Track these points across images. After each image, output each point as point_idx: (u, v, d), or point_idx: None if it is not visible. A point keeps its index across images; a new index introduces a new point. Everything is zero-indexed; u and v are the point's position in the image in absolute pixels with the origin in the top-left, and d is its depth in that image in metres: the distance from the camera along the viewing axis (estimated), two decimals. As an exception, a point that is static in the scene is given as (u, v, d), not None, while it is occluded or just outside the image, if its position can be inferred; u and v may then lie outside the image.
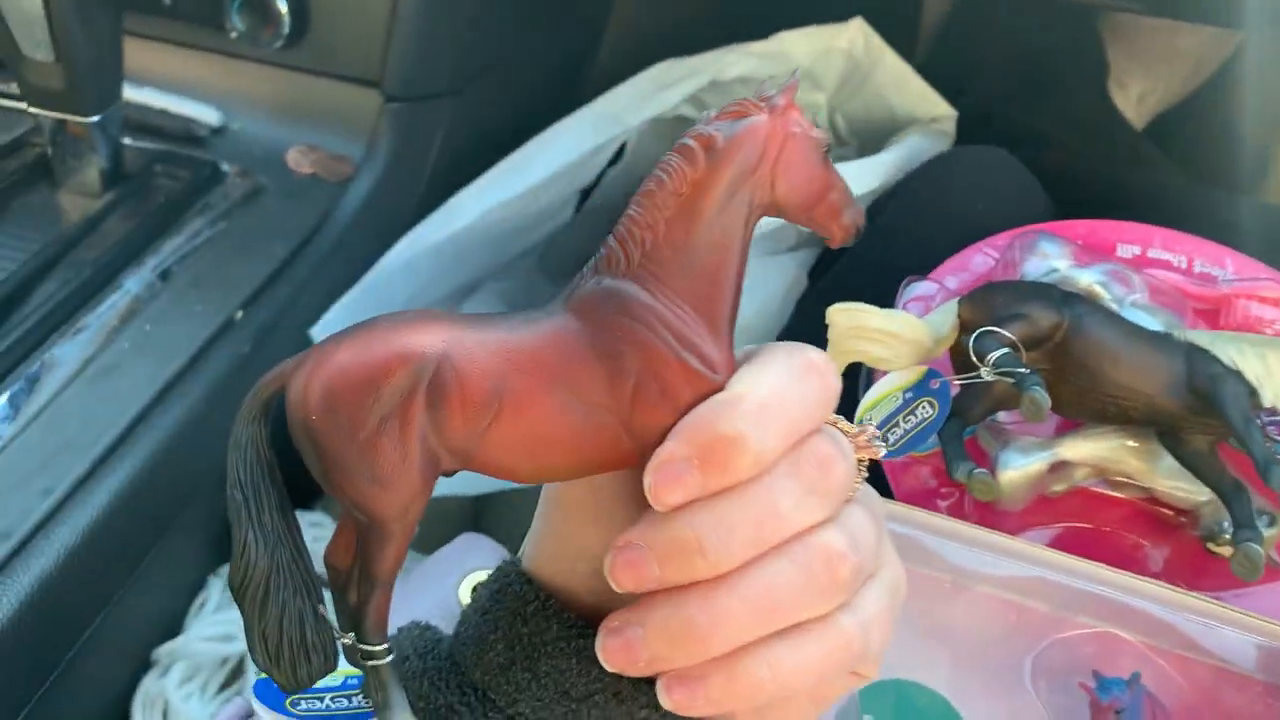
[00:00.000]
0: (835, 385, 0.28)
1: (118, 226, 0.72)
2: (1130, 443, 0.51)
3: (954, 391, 0.50)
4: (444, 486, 0.28)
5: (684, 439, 0.26)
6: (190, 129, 0.81)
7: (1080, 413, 0.51)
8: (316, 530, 0.69)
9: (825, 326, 0.50)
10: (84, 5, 0.67)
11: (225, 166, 0.79)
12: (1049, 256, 0.58)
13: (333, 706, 0.33)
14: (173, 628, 0.65)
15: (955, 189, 0.71)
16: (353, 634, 0.28)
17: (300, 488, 0.28)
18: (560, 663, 0.31)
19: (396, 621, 0.31)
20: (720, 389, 0.27)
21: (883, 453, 0.30)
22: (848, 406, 0.31)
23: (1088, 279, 0.56)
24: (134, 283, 0.69)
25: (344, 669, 0.30)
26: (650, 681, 0.28)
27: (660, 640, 0.27)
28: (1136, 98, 1.04)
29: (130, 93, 0.77)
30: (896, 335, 0.50)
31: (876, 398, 0.52)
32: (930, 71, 0.93)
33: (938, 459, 0.53)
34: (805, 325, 0.70)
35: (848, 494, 0.28)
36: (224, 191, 0.77)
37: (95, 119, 0.72)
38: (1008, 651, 0.48)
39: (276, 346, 0.70)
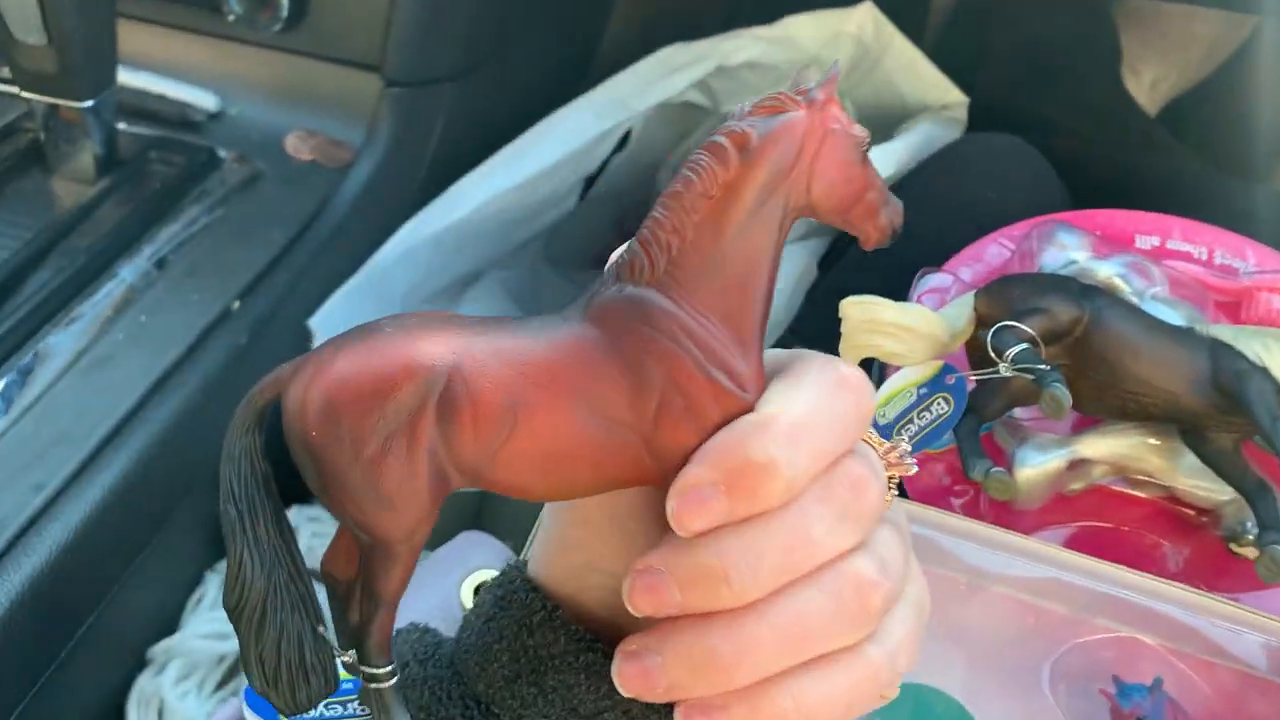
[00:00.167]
0: (870, 403, 0.27)
1: (112, 214, 0.71)
2: (1151, 440, 0.50)
3: (970, 387, 0.49)
4: None
5: (711, 463, 0.25)
6: (186, 114, 0.80)
7: (1099, 409, 0.50)
8: (316, 526, 0.68)
9: (837, 319, 0.49)
10: (77, -13, 0.66)
11: (222, 152, 0.78)
12: (1067, 248, 0.56)
13: (327, 715, 0.32)
14: (169, 625, 0.64)
15: (969, 177, 0.69)
16: (353, 652, 0.27)
17: (298, 481, 0.27)
18: (568, 678, 0.29)
19: (395, 623, 0.30)
20: (749, 408, 0.26)
21: (914, 470, 0.29)
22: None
23: (1107, 271, 0.55)
24: (129, 271, 0.68)
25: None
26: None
27: (681, 669, 0.25)
28: (1150, 84, 1.02)
29: (125, 77, 0.75)
30: (911, 329, 0.48)
31: (890, 393, 0.51)
32: (940, 57, 0.91)
33: (952, 455, 0.52)
34: (816, 316, 0.68)
35: (879, 516, 0.27)
36: (221, 178, 0.76)
37: (89, 104, 0.71)
38: (1025, 655, 0.46)
39: (274, 337, 0.69)
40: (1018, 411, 0.52)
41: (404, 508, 0.25)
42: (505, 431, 0.25)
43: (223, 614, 0.64)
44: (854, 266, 0.68)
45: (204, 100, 0.81)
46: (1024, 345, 0.46)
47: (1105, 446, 0.51)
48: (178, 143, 0.78)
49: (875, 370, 0.55)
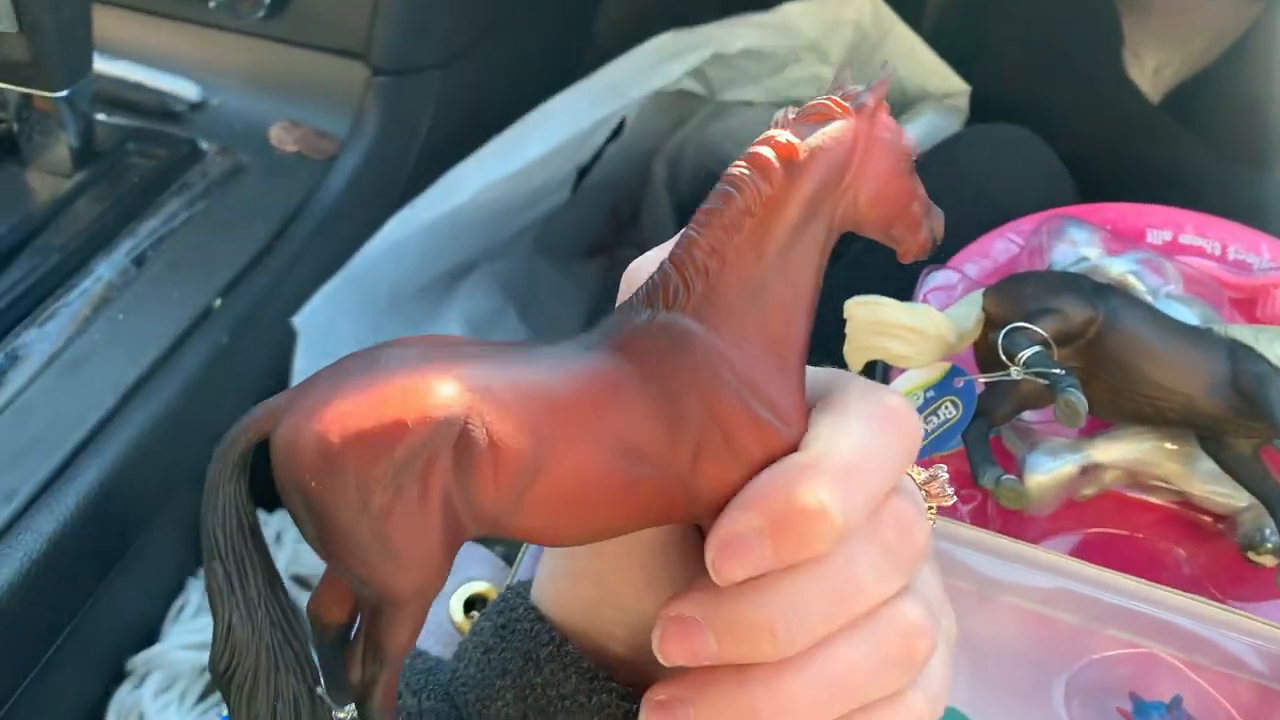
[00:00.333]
0: (917, 434, 0.25)
1: (89, 208, 0.69)
2: (1167, 445, 0.48)
3: (979, 390, 0.47)
4: None
5: (757, 509, 0.23)
6: (166, 104, 0.78)
7: (1113, 413, 0.48)
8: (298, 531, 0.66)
9: (839, 319, 0.47)
10: (49, -29, 0.64)
11: (203, 144, 0.76)
12: (1078, 244, 0.54)
13: None
14: (149, 635, 0.63)
15: (974, 169, 0.67)
16: (351, 707, 0.25)
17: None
18: None
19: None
20: (794, 445, 0.24)
21: (952, 500, 0.27)
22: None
23: (1120, 268, 0.53)
24: (106, 268, 0.66)
25: None
26: None
27: None
28: (1153, 70, 1.00)
29: (101, 65, 0.73)
30: (919, 331, 0.47)
31: (896, 396, 0.49)
32: (939, 45, 0.89)
33: (959, 459, 0.50)
34: (819, 313, 0.66)
35: (925, 556, 0.25)
36: (202, 170, 0.74)
37: (64, 94, 0.68)
38: (1036, 669, 0.45)
39: (258, 336, 0.68)
40: (1028, 415, 0.51)
41: (415, 563, 0.22)
42: (529, 477, 0.22)
43: (205, 623, 0.62)
44: (854, 264, 0.66)
45: (184, 90, 0.79)
46: (1036, 348, 0.45)
47: (1119, 451, 0.49)
48: (157, 134, 0.76)
49: (879, 372, 0.53)
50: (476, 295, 0.90)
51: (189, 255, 0.68)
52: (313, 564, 0.68)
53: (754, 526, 0.23)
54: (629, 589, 0.27)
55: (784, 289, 0.24)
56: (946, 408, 0.48)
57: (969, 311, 0.48)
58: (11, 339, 0.60)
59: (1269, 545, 0.47)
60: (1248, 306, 0.57)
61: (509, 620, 0.29)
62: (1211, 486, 0.49)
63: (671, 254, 0.24)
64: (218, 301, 0.67)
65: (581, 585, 0.28)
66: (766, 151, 0.23)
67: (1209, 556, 0.49)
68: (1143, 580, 0.43)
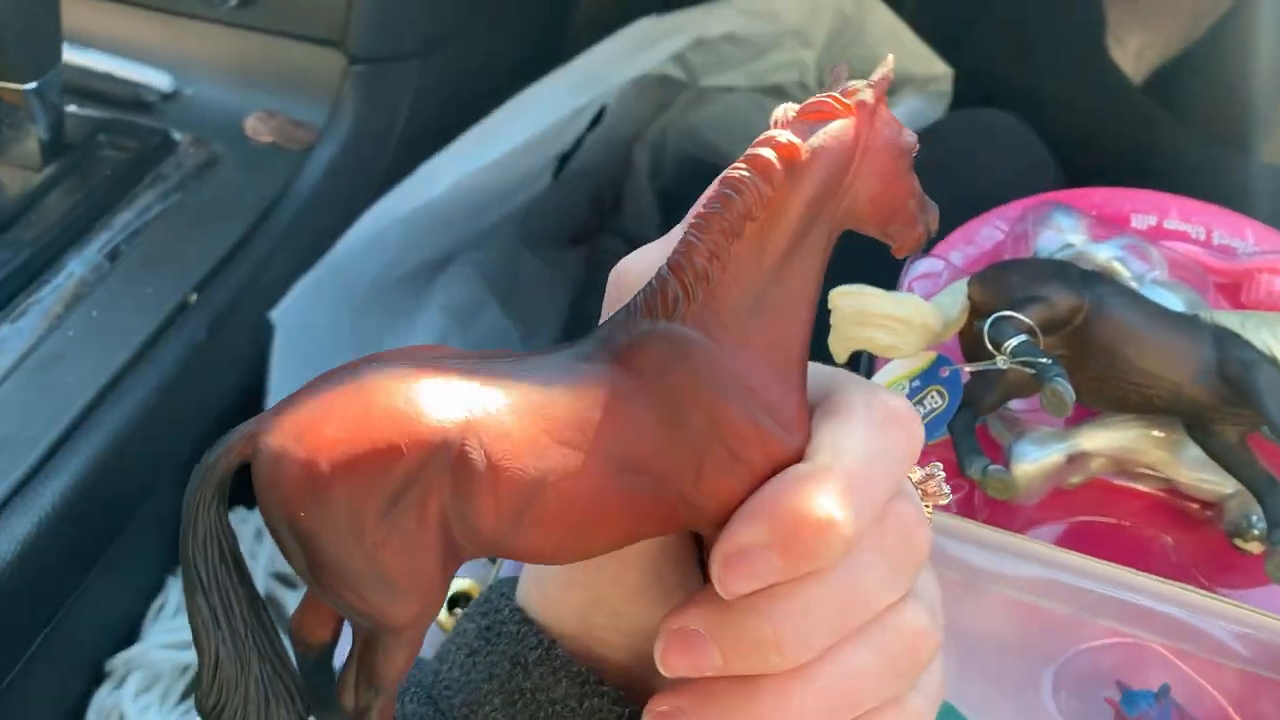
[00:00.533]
0: (919, 437, 0.24)
1: (60, 202, 0.68)
2: (1154, 432, 0.48)
3: (965, 379, 0.47)
4: None
5: (763, 523, 0.22)
6: (139, 95, 0.77)
7: (1099, 401, 0.48)
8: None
9: (825, 310, 0.46)
10: (14, -40, 0.63)
11: (177, 135, 0.75)
12: (1064, 230, 0.54)
13: None
14: (129, 635, 0.62)
15: (958, 155, 0.67)
16: None
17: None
18: None
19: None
20: (798, 453, 0.23)
21: (948, 499, 0.26)
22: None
23: (1105, 254, 0.53)
24: (79, 264, 0.65)
25: None
26: None
27: None
28: (1135, 54, 1.00)
29: (71, 55, 0.72)
30: (904, 320, 0.46)
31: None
32: (922, 28, 0.89)
33: (944, 448, 0.50)
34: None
35: (926, 560, 0.25)
36: (176, 162, 0.73)
37: (32, 85, 0.67)
38: (1024, 659, 0.45)
39: (235, 331, 0.67)
40: (1014, 403, 0.50)
41: (413, 591, 0.21)
42: (529, 498, 0.22)
43: (185, 621, 0.61)
44: (839, 251, 0.66)
45: (157, 80, 0.78)
46: (1023, 336, 0.44)
47: (1106, 439, 0.49)
48: (129, 125, 0.74)
49: (864, 363, 0.52)
50: (457, 286, 0.89)
51: (163, 249, 0.67)
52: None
53: (761, 540, 0.22)
54: (621, 593, 0.26)
55: (785, 294, 0.23)
56: (932, 397, 0.48)
57: (954, 300, 0.48)
58: (-18, 337, 0.59)
59: (1256, 532, 0.47)
60: (1232, 291, 0.56)
61: (493, 622, 0.29)
62: (1198, 474, 0.48)
63: (670, 259, 0.23)
64: (193, 296, 0.66)
65: (571, 589, 0.28)
66: (767, 153, 0.23)
67: (1196, 544, 0.49)
68: (1130, 569, 0.43)
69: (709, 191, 0.23)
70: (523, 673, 0.27)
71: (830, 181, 0.23)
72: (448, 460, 0.21)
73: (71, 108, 0.73)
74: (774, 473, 0.23)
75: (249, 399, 0.68)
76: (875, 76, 0.23)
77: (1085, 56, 0.98)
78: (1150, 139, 0.93)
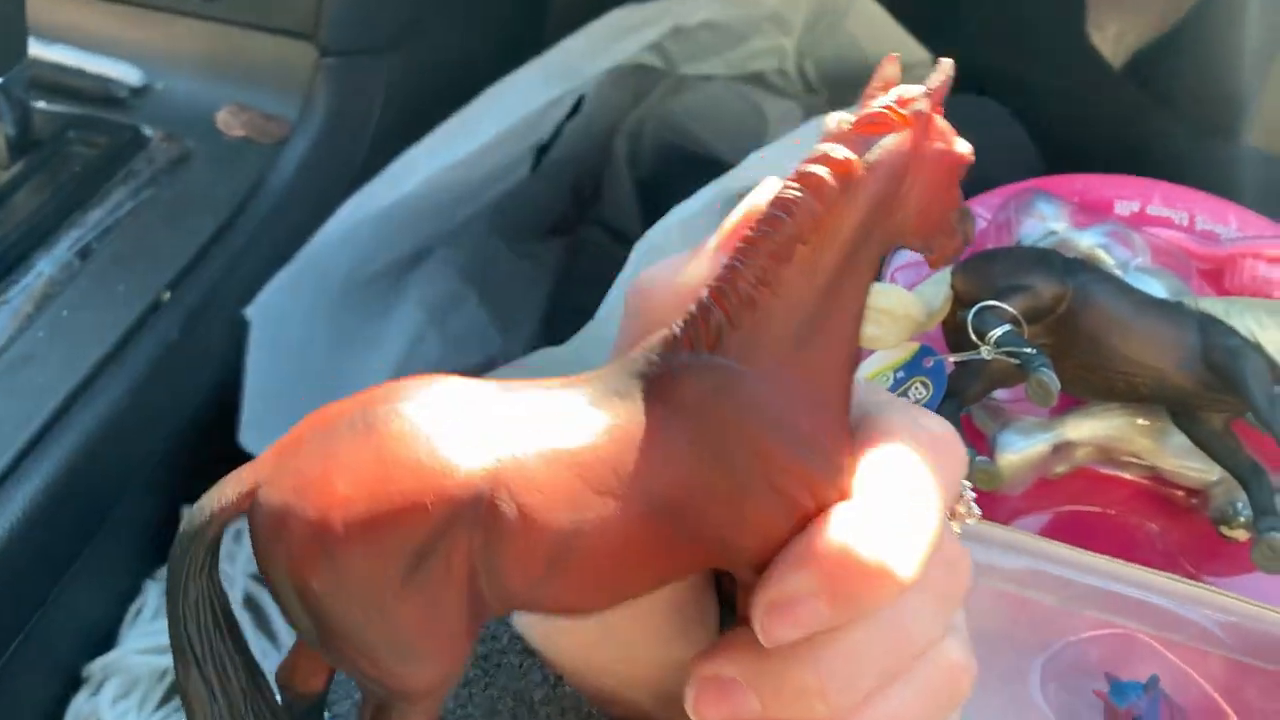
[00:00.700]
0: (964, 463, 0.24)
1: (28, 200, 0.67)
2: (1139, 420, 0.48)
3: (949, 370, 0.47)
4: None
5: (811, 570, 0.21)
6: (108, 90, 0.75)
7: (1085, 390, 0.48)
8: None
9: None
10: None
11: (148, 130, 0.73)
12: (1046, 218, 0.54)
13: None
14: (105, 640, 0.61)
15: (939, 143, 0.66)
16: None
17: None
18: None
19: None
20: (843, 490, 0.22)
21: (977, 517, 0.26)
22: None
23: (1088, 241, 0.53)
24: (48, 263, 0.63)
25: None
26: None
27: None
28: (1115, 38, 0.99)
29: (37, 50, 0.71)
30: (887, 311, 0.46)
31: (865, 377, 0.48)
32: (902, 15, 0.88)
33: (929, 440, 0.50)
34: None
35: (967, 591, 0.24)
36: (147, 158, 0.71)
37: (-3, 81, 0.66)
38: (1011, 652, 0.45)
39: (209, 329, 0.66)
40: (998, 393, 0.50)
41: (434, 656, 0.20)
42: (564, 550, 0.20)
43: (164, 626, 0.60)
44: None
45: (126, 74, 0.76)
46: (1007, 326, 0.44)
47: (1091, 428, 0.49)
48: (99, 121, 0.73)
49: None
50: (434, 280, 0.88)
51: (135, 247, 0.66)
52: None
53: (808, 588, 0.21)
54: (636, 629, 0.25)
55: (833, 318, 0.21)
56: (917, 388, 0.47)
57: (937, 290, 0.47)
58: (-51, 339, 0.58)
59: (1241, 519, 0.47)
60: (1216, 277, 0.56)
61: (491, 650, 0.27)
62: (1183, 461, 0.48)
63: (712, 285, 0.21)
64: (166, 294, 0.64)
65: (580, 622, 0.27)
66: (821, 170, 0.21)
67: (1182, 531, 0.49)
68: (1116, 559, 0.43)
69: (756, 212, 0.22)
70: (528, 711, 0.26)
71: (885, 197, 0.21)
72: (477, 515, 0.19)
73: (39, 104, 0.71)
74: (820, 510, 0.21)
75: (224, 396, 0.67)
76: (933, 83, 0.22)
77: (1065, 42, 0.98)
78: (1132, 125, 0.93)
